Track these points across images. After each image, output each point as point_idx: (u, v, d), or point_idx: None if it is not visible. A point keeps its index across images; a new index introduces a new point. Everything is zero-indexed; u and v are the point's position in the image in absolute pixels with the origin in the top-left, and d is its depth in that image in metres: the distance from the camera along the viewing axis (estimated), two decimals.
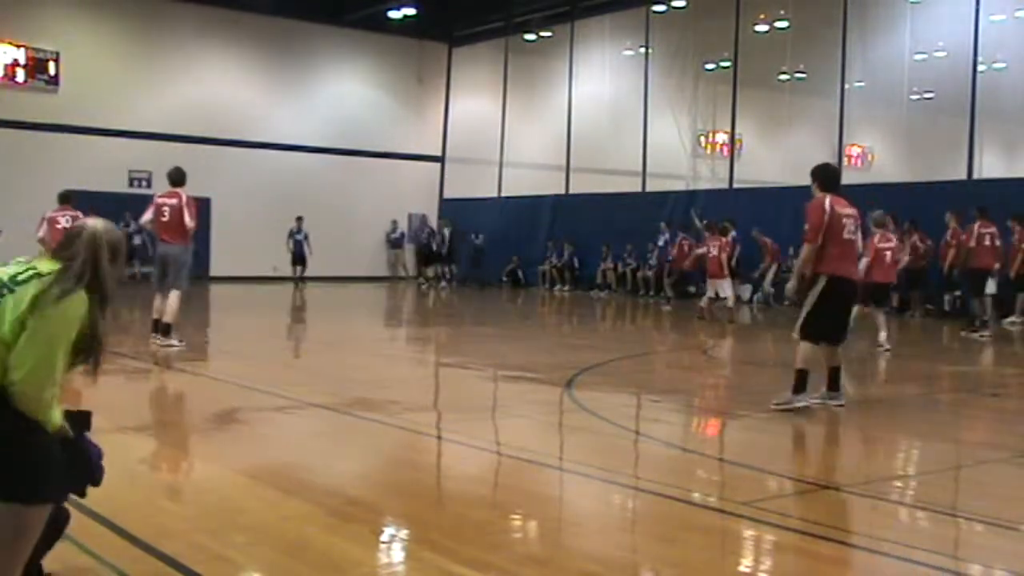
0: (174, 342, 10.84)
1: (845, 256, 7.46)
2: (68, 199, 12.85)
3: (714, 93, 27.36)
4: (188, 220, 10.93)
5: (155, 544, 3.96)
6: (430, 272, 29.12)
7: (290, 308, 20.54)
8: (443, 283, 27.99)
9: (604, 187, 26.08)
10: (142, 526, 4.20)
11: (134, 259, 23.02)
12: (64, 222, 11.82)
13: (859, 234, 7.69)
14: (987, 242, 14.44)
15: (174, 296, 10.91)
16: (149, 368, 9.94)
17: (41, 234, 12.54)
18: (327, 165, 28.61)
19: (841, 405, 7.62)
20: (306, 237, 25.97)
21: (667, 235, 23.02)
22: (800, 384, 7.42)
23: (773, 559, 4.28)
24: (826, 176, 7.71)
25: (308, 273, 26.22)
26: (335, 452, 6.24)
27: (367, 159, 29.39)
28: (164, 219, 11.00)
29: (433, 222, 30.30)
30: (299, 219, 25.93)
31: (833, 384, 7.62)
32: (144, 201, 12.57)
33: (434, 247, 29.30)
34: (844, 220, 7.43)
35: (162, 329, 10.87)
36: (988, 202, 17.49)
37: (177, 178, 11.25)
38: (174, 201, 11.03)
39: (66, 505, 3.31)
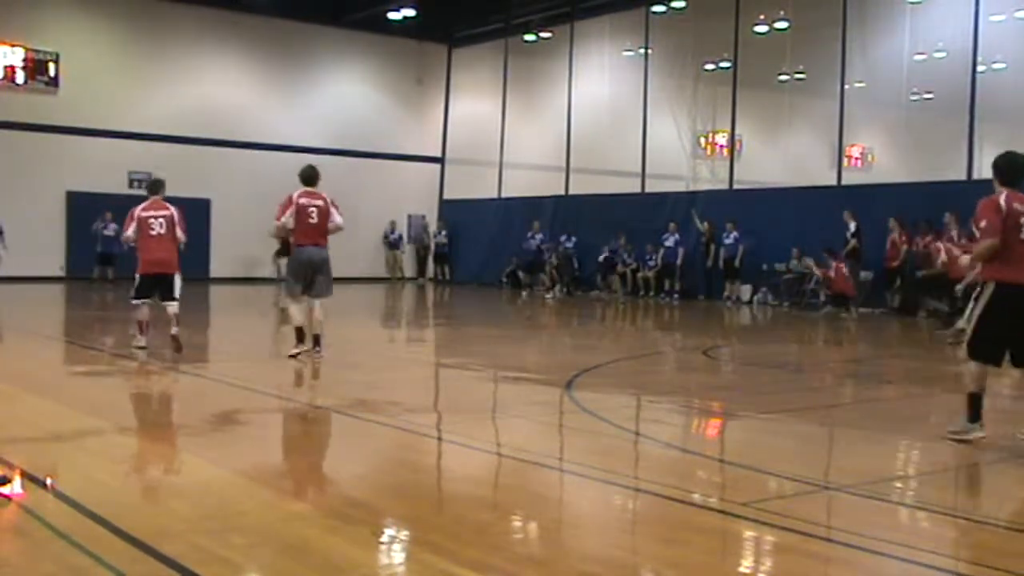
0: (323, 352, 10.24)
1: (1019, 260, 6.40)
2: (158, 190, 11.00)
3: (714, 94, 27.31)
4: (339, 219, 10.46)
5: (155, 545, 3.95)
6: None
7: None
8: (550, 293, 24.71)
9: (604, 188, 26.08)
10: (142, 527, 4.19)
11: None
12: (158, 228, 10.55)
13: None
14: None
15: (319, 307, 10.38)
16: (149, 369, 9.93)
17: (129, 233, 10.71)
18: (327, 166, 27.94)
19: (968, 440, 6.48)
20: None
21: (677, 236, 23.07)
22: (974, 411, 6.49)
23: (773, 560, 4.27)
24: (1008, 167, 6.62)
25: None
26: (335, 453, 6.23)
27: (367, 160, 29.39)
28: (312, 221, 10.22)
29: (433, 223, 30.29)
30: None
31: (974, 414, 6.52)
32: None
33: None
34: (1022, 219, 6.40)
35: (316, 341, 10.25)
36: None
37: (314, 176, 10.66)
38: (319, 202, 10.36)
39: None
